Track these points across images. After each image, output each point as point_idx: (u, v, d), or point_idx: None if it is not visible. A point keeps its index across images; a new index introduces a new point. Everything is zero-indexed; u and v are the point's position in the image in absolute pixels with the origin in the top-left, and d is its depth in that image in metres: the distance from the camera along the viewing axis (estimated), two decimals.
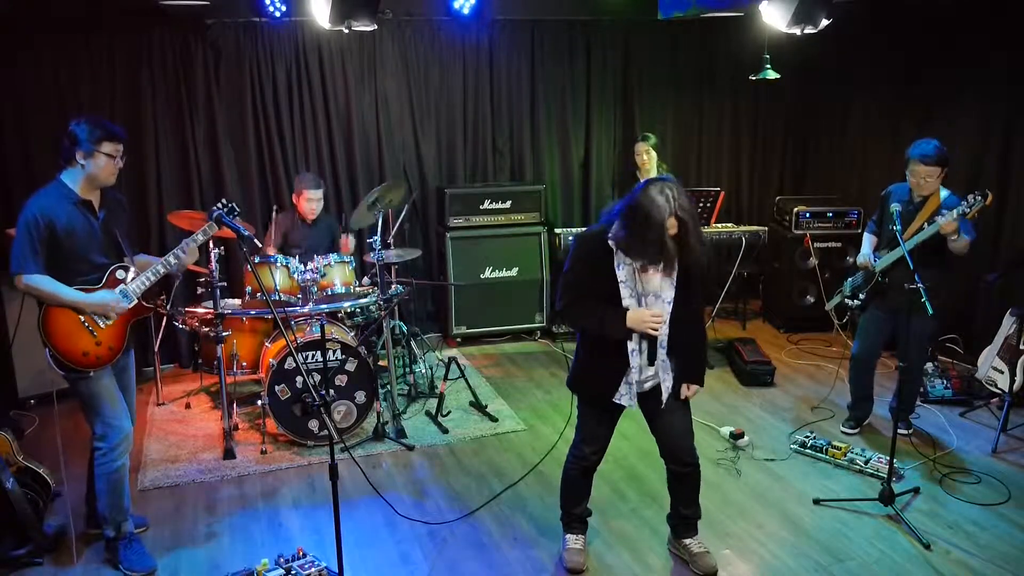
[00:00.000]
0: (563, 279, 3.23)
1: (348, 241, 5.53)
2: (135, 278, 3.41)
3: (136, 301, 3.42)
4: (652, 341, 3.13)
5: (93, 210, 3.34)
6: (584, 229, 3.43)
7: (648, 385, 3.22)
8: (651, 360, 3.15)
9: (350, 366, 4.58)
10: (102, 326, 3.35)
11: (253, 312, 4.78)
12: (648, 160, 6.05)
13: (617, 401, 3.19)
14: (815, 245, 6.37)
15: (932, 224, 4.09)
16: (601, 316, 3.09)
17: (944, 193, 4.21)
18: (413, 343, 5.38)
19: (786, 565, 3.46)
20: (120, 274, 3.40)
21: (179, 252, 3.46)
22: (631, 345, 3.11)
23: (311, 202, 5.45)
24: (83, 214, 3.30)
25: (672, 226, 2.91)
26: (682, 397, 3.26)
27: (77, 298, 3.27)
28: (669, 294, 3.10)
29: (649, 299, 3.10)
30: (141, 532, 3.72)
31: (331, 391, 4.49)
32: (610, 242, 3.08)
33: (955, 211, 4.03)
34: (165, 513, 3.95)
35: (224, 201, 3.53)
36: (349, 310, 4.99)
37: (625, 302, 3.08)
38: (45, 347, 3.28)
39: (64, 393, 3.69)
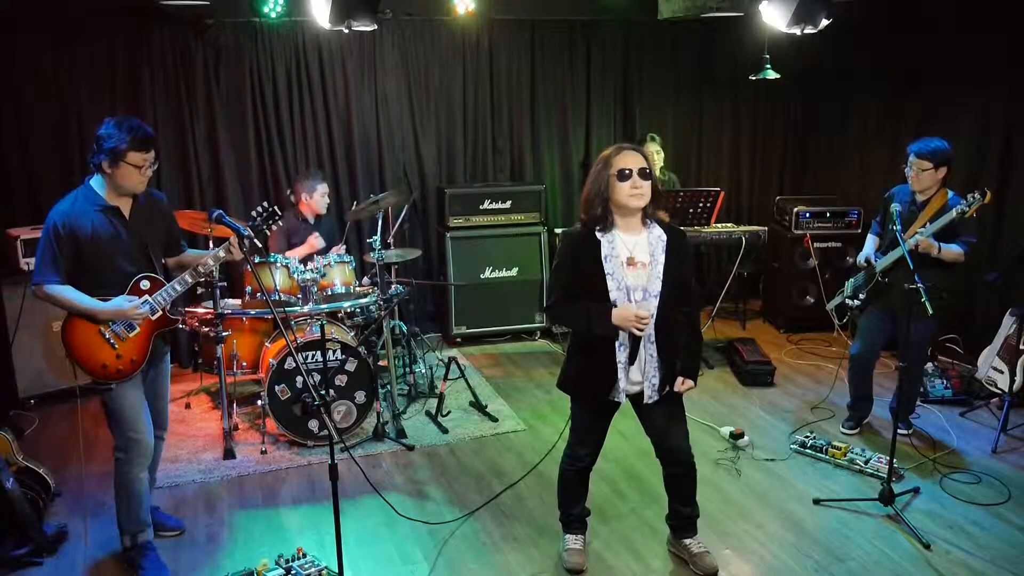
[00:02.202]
0: (551, 277, 3.25)
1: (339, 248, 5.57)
2: (161, 288, 3.29)
3: (161, 312, 3.30)
4: (636, 340, 3.09)
5: (122, 216, 3.22)
6: (571, 227, 3.47)
7: (637, 389, 3.18)
8: (632, 359, 3.11)
9: (350, 366, 4.58)
10: (123, 338, 3.25)
11: (253, 312, 4.78)
12: (656, 161, 6.03)
13: (612, 399, 3.18)
14: (815, 245, 6.37)
15: (912, 238, 4.10)
16: (588, 313, 3.06)
17: (949, 194, 4.21)
18: (413, 343, 5.38)
19: (786, 565, 3.46)
20: (145, 284, 3.27)
21: (209, 261, 3.35)
22: (618, 341, 3.08)
23: (325, 196, 5.50)
24: (110, 221, 3.19)
25: (624, 161, 3.00)
26: (676, 390, 3.18)
27: (92, 306, 3.17)
28: (656, 287, 3.07)
29: (637, 293, 3.07)
30: (177, 535, 3.70)
31: (331, 391, 4.48)
32: (597, 233, 3.08)
33: (953, 211, 4.04)
34: (165, 513, 3.95)
35: (265, 205, 3.43)
36: (349, 310, 4.99)
37: (612, 295, 3.05)
38: (67, 357, 3.23)
39: (69, 393, 3.66)
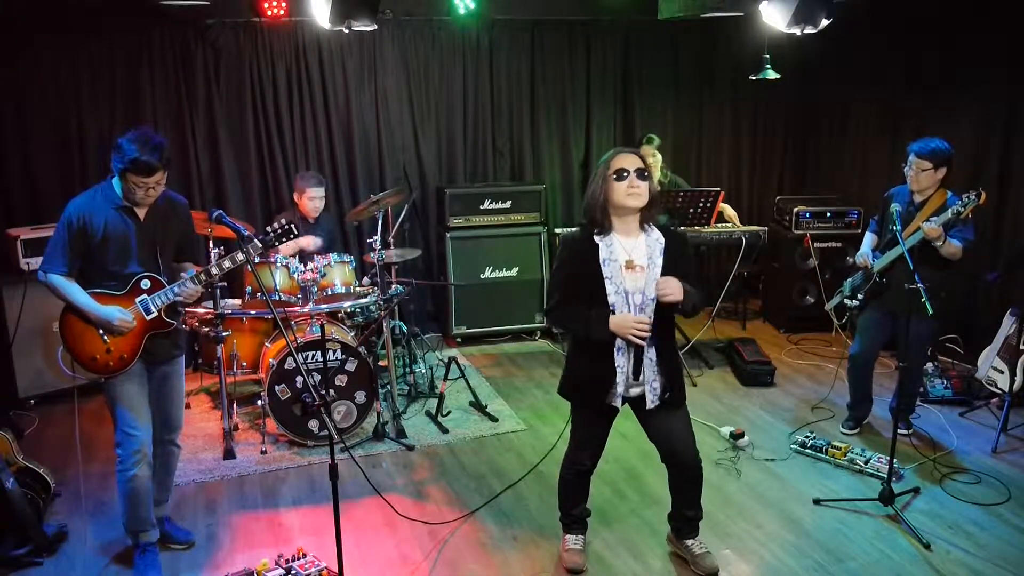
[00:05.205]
0: (551, 280, 3.27)
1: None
2: (161, 290, 3.32)
3: (156, 313, 3.31)
4: (638, 352, 3.07)
5: (136, 216, 3.28)
6: (570, 230, 3.45)
7: (635, 392, 3.17)
8: (636, 375, 3.09)
9: (350, 366, 4.58)
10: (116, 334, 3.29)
11: (253, 312, 4.78)
12: (652, 163, 6.03)
13: (609, 403, 3.17)
14: (815, 245, 6.37)
15: (918, 230, 4.10)
16: (586, 318, 3.06)
17: (948, 195, 4.21)
18: (413, 343, 5.38)
19: (786, 565, 3.46)
20: (145, 284, 3.31)
21: (211, 269, 3.37)
22: (617, 344, 3.07)
23: (314, 200, 5.47)
24: (123, 219, 3.25)
25: (621, 162, 3.03)
26: (657, 293, 2.99)
27: (86, 307, 3.23)
28: (654, 290, 3.05)
29: (635, 297, 3.06)
30: (185, 549, 3.63)
31: (331, 391, 4.48)
32: (595, 237, 3.08)
33: (949, 211, 4.04)
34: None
35: (283, 222, 3.43)
36: (349, 310, 4.99)
37: (611, 299, 3.04)
38: (64, 346, 3.28)
39: (70, 393, 3.66)
